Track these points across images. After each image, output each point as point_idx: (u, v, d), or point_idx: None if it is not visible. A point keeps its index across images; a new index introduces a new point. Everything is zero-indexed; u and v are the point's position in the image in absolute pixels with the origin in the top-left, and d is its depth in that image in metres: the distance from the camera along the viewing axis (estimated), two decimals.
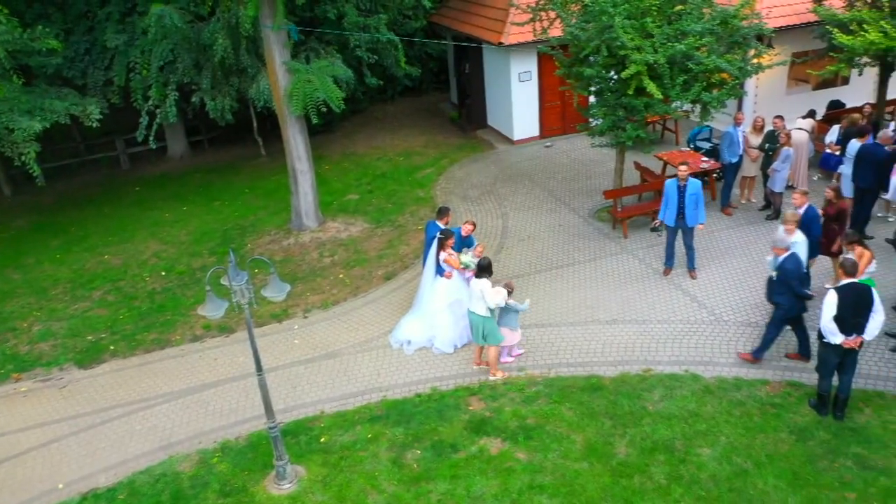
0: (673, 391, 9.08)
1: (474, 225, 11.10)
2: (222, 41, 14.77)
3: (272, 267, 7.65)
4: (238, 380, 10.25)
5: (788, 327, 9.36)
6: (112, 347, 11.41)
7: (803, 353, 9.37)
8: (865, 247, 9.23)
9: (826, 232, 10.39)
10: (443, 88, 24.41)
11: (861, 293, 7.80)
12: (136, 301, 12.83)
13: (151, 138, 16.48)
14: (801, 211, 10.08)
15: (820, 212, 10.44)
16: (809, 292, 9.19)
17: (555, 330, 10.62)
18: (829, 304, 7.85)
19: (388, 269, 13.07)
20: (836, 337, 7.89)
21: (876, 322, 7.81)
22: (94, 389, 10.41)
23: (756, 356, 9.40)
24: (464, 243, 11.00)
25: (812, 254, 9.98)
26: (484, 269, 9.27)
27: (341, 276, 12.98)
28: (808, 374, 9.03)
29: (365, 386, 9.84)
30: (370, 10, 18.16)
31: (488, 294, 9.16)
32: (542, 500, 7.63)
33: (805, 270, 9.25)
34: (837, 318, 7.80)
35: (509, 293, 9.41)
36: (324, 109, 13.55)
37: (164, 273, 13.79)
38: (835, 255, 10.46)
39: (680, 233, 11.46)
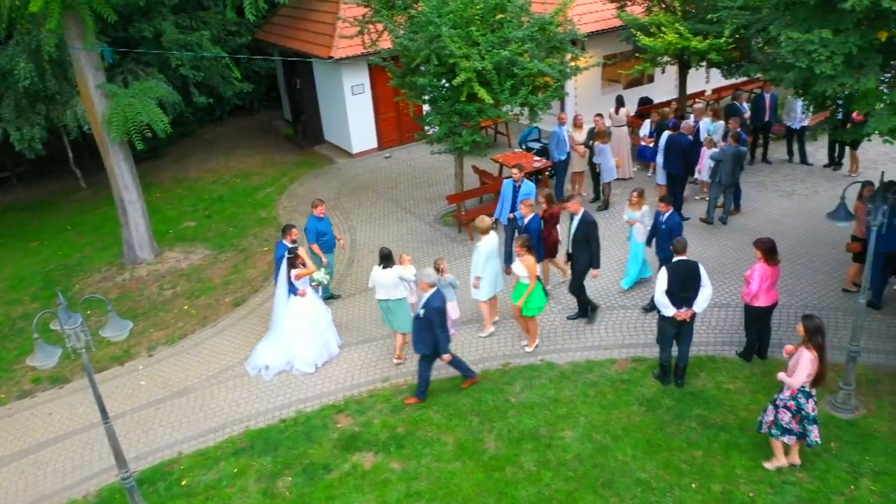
0: (532, 381, 9.46)
1: (322, 202, 11.32)
2: (24, 65, 13.48)
3: (109, 304, 7.07)
4: (80, 433, 9.38)
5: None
6: None
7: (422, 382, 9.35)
8: (532, 253, 9.52)
9: (546, 236, 10.93)
10: (275, 106, 23.87)
11: (689, 269, 8.56)
12: None
13: None
14: (526, 220, 10.57)
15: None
16: (450, 334, 9.09)
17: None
18: (661, 279, 8.57)
19: (236, 294, 12.54)
20: (668, 310, 8.61)
21: (704, 295, 8.59)
22: None
23: (420, 397, 9.26)
24: (320, 224, 11.15)
25: (539, 259, 10.56)
26: (387, 258, 9.65)
27: (186, 307, 12.28)
28: (649, 350, 9.77)
29: (224, 419, 9.37)
30: (191, 26, 17.37)
31: (405, 272, 9.73)
32: None
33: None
34: (668, 293, 8.52)
35: (440, 270, 9.68)
36: (149, 134, 12.77)
37: None
38: (551, 257, 11.30)
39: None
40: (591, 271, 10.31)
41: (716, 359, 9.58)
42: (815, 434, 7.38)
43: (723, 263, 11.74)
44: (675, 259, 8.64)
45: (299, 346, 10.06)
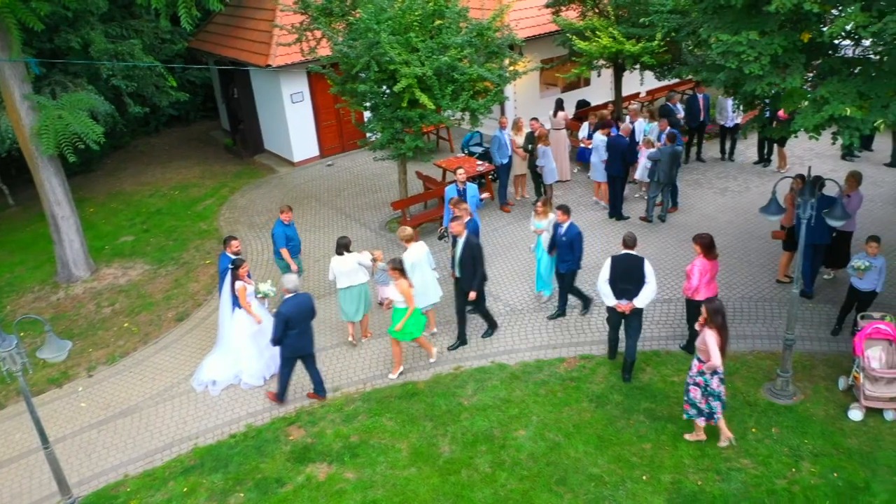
0: (484, 383, 9.53)
1: (290, 208, 11.35)
2: None
3: (46, 324, 6.81)
4: (17, 460, 8.98)
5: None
6: None
7: (319, 392, 9.47)
8: (405, 276, 9.33)
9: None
10: (212, 116, 23.40)
11: (632, 263, 8.79)
12: None
13: None
14: (465, 221, 10.46)
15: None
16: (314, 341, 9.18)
17: (364, 343, 10.66)
18: (604, 269, 8.83)
19: (178, 309, 12.24)
20: (608, 299, 8.88)
21: (647, 291, 8.81)
22: None
23: (280, 398, 9.39)
24: (287, 229, 11.13)
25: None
26: (345, 247, 10.08)
27: (126, 324, 11.91)
28: (597, 347, 9.98)
29: (172, 437, 9.12)
30: (121, 35, 16.88)
31: (362, 258, 10.20)
32: None
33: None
34: (611, 282, 8.78)
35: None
36: (81, 146, 12.36)
37: None
38: None
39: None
40: (470, 293, 10.00)
41: (660, 353, 9.83)
42: (719, 412, 7.82)
43: (663, 260, 12.06)
44: (623, 252, 8.88)
45: (246, 358, 9.88)
